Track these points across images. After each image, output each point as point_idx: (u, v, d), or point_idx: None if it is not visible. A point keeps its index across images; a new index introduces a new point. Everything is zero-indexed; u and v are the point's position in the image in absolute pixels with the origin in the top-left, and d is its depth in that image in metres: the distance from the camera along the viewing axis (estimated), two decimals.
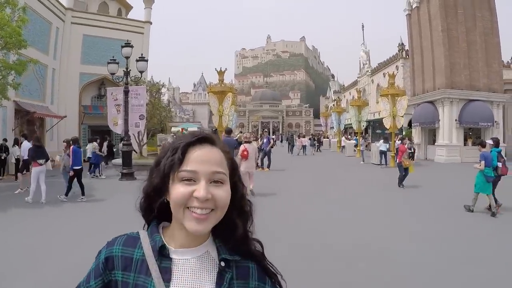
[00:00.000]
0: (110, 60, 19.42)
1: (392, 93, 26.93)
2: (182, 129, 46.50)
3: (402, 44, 45.36)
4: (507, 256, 7.31)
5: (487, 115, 29.68)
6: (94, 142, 21.19)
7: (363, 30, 64.39)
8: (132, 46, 19.23)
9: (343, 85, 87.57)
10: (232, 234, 1.33)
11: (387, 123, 27.78)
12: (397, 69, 42.58)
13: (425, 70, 33.63)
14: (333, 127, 54.81)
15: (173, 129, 48.16)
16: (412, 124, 34.94)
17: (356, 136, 38.89)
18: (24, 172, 15.34)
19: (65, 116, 27.20)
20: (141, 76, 19.82)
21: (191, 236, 1.26)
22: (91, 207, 12.15)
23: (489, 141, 12.12)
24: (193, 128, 53.59)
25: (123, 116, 19.08)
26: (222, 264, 1.28)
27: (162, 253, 1.25)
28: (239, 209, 1.34)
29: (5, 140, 19.70)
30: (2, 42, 15.69)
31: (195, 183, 1.21)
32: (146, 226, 1.38)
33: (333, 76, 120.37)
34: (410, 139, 27.57)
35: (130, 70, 18.97)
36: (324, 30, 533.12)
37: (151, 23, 33.06)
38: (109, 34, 29.26)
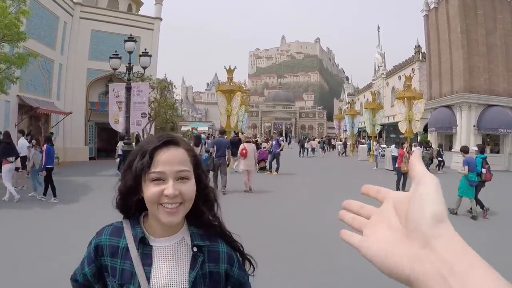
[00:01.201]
0: (113, 54, 18.65)
1: (408, 96, 25.88)
2: (192, 128, 45.97)
3: (419, 46, 44.43)
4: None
5: (507, 121, 28.32)
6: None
7: (378, 32, 63.60)
8: (135, 41, 18.47)
9: (358, 87, 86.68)
10: (200, 219, 1.52)
11: (402, 127, 26.78)
12: (413, 72, 41.41)
13: (442, 73, 32.38)
14: (346, 130, 53.86)
15: (183, 128, 47.73)
16: (428, 129, 33.75)
17: (370, 140, 37.75)
18: (20, 170, 14.66)
19: (71, 113, 26.63)
20: (144, 72, 18.98)
21: (155, 228, 1.47)
22: (85, 207, 11.57)
23: (474, 148, 13.10)
24: (203, 128, 53.30)
25: (124, 114, 18.31)
26: (195, 249, 1.47)
27: (143, 242, 1.44)
28: (203, 197, 1.52)
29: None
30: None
31: (164, 182, 1.38)
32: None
33: (347, 79, 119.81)
34: (427, 145, 26.37)
35: (133, 65, 18.18)
36: (339, 31, 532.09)
37: (161, 19, 32.41)
38: (118, 29, 28.49)
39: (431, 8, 34.33)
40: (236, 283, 1.58)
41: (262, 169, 22.73)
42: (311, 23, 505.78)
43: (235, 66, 24.82)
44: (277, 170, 21.86)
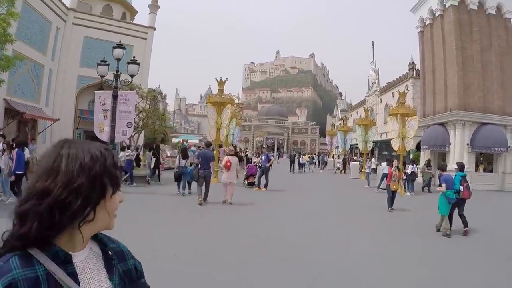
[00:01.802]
0: (101, 61, 18.23)
1: (402, 112, 25.50)
2: (182, 140, 45.52)
3: (413, 63, 44.37)
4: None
5: (500, 140, 28.11)
6: (128, 150, 20.95)
7: (373, 48, 63.59)
8: (124, 48, 17.99)
9: (351, 104, 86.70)
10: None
11: (395, 145, 26.37)
12: (407, 89, 41.31)
13: (436, 90, 32.17)
14: (338, 146, 53.62)
15: (174, 140, 47.30)
16: (421, 147, 33.43)
17: (362, 157, 37.40)
18: None
19: (59, 119, 26.19)
20: (132, 80, 18.55)
21: (78, 241, 1.33)
22: None
23: (454, 166, 13.65)
24: (194, 140, 52.93)
25: (110, 123, 17.83)
26: (110, 252, 1.44)
27: (67, 261, 1.28)
28: None
29: None
30: None
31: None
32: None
33: (340, 95, 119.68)
34: (429, 164, 26.18)
35: (120, 73, 17.74)
36: (333, 47, 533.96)
37: (154, 28, 32.22)
38: (111, 37, 28.11)
39: (426, 24, 34.27)
40: (140, 274, 1.58)
41: (251, 184, 22.22)
42: (306, 38, 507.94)
43: (226, 78, 24.39)
44: (266, 186, 21.35)
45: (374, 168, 29.90)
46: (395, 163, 16.90)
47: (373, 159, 33.33)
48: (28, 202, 1.24)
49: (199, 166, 15.60)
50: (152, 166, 22.24)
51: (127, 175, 19.85)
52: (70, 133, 28.21)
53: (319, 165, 52.18)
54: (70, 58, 28.43)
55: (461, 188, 11.70)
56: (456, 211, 11.69)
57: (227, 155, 16.84)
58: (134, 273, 1.53)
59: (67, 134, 27.70)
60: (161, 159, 23.99)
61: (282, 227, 11.44)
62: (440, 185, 11.63)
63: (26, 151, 15.08)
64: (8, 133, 22.53)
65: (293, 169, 39.39)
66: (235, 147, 28.20)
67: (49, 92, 27.28)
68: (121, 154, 20.07)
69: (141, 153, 26.20)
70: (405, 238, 11.13)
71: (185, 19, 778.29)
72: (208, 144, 18.36)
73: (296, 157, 41.50)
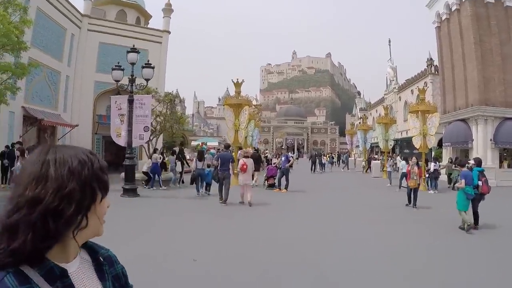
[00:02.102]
0: (115, 66, 18.18)
1: (422, 109, 24.96)
2: (201, 143, 45.49)
3: (431, 59, 43.63)
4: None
5: None
6: (154, 154, 21.22)
7: (390, 45, 62.85)
8: (138, 52, 17.92)
9: (370, 102, 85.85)
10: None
11: (416, 142, 25.85)
12: (426, 86, 40.54)
13: (456, 86, 31.47)
14: (358, 145, 53.04)
15: (193, 143, 47.23)
16: (443, 144, 32.74)
17: (383, 156, 36.80)
18: None
19: (77, 125, 26.32)
20: (147, 84, 18.49)
21: (72, 250, 1.29)
22: None
23: (471, 161, 13.20)
24: (213, 142, 52.86)
25: (126, 127, 17.76)
26: (101, 259, 1.42)
27: (63, 275, 1.22)
28: None
29: (7, 147, 18.62)
30: None
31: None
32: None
33: (359, 93, 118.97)
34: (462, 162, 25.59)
35: (135, 77, 17.68)
36: (350, 46, 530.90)
37: (169, 32, 32.21)
38: (126, 42, 28.05)
39: (443, 19, 33.57)
40: (126, 277, 1.55)
41: (271, 186, 21.94)
42: (322, 38, 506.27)
43: (243, 80, 24.15)
44: (286, 187, 21.02)
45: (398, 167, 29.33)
46: (413, 160, 16.69)
47: (398, 157, 32.70)
48: (18, 212, 1.15)
49: (218, 167, 15.84)
50: (177, 169, 22.49)
51: (147, 179, 20.19)
52: (89, 138, 28.40)
53: (338, 164, 51.98)
54: (86, 64, 28.60)
55: (480, 183, 11.68)
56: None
57: (242, 158, 17.07)
58: (122, 278, 1.52)
59: (86, 139, 27.88)
60: (185, 163, 24.21)
61: (302, 229, 11.17)
62: (457, 181, 11.88)
63: None
64: (28, 139, 22.84)
65: (314, 170, 38.88)
66: (257, 149, 28.56)
67: (67, 99, 27.47)
68: (148, 161, 20.73)
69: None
70: (427, 236, 10.84)
71: (203, 23, 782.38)
72: (227, 146, 18.75)
73: (317, 157, 41.08)
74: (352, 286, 6.66)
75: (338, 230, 11.26)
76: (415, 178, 15.91)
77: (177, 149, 25.17)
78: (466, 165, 12.87)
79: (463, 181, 11.48)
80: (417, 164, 16.67)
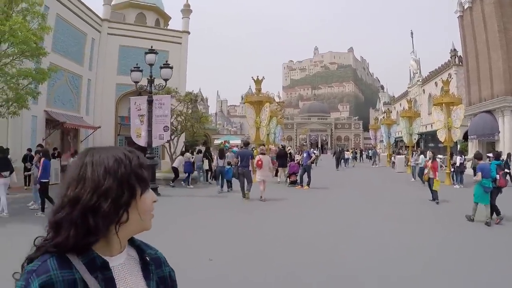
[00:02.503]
0: (134, 67, 18.36)
1: (446, 101, 24.42)
2: (224, 141, 45.64)
3: (455, 50, 42.84)
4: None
5: None
6: (187, 153, 21.87)
7: (412, 37, 61.95)
8: (156, 53, 18.04)
9: (393, 96, 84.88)
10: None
11: (441, 136, 25.35)
12: (450, 77, 39.81)
13: (481, 76, 30.70)
14: (382, 140, 52.51)
15: (215, 142, 47.43)
16: (469, 137, 32.06)
17: (407, 150, 36.26)
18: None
19: (99, 127, 26.75)
20: (166, 84, 18.59)
21: (116, 245, 1.34)
22: None
23: (490, 155, 13.99)
24: (235, 141, 52.94)
25: (146, 127, 17.90)
26: (148, 258, 1.45)
27: (104, 266, 1.29)
28: None
29: (29, 150, 18.91)
30: (16, 49, 14.83)
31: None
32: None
33: (382, 88, 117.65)
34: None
35: (154, 78, 17.80)
36: (372, 40, 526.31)
37: (189, 32, 32.32)
38: (146, 44, 28.23)
39: (465, 8, 32.80)
40: (173, 282, 1.57)
41: (293, 183, 21.77)
42: (343, 32, 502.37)
43: (263, 77, 24.08)
44: (308, 184, 20.84)
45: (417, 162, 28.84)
46: (428, 154, 16.99)
47: (428, 152, 32.09)
48: (61, 211, 1.27)
49: (238, 164, 16.50)
50: (204, 167, 23.31)
51: (176, 177, 20.70)
52: (112, 140, 28.80)
53: (361, 160, 52.03)
54: (107, 67, 28.98)
55: (497, 176, 11.68)
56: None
57: (259, 155, 17.62)
58: (169, 281, 1.54)
59: (109, 141, 28.25)
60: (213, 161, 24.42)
61: (322, 226, 11.00)
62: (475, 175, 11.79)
63: (54, 161, 16.28)
64: (52, 142, 23.25)
65: (339, 166, 38.18)
66: (283, 146, 28.67)
67: (89, 101, 27.87)
68: (180, 157, 21.25)
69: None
70: (441, 230, 10.78)
71: (225, 23, 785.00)
72: (246, 144, 19.45)
73: (341, 153, 40.68)
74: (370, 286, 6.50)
75: (358, 227, 11.06)
76: (427, 171, 16.14)
77: (203, 148, 25.58)
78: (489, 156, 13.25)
79: (479, 174, 11.56)
80: (434, 158, 16.47)
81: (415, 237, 9.84)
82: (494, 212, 11.65)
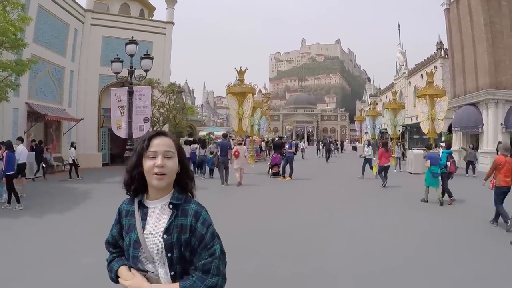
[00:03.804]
0: (114, 58, 18.24)
1: (430, 93, 24.57)
2: (209, 133, 45.52)
3: (441, 42, 42.89)
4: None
5: None
6: (194, 144, 23.06)
7: (399, 30, 61.88)
8: (137, 43, 17.94)
9: (380, 88, 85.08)
10: (186, 188, 2.20)
11: (424, 127, 25.51)
12: (436, 69, 39.92)
13: (466, 69, 30.72)
14: (367, 132, 52.69)
15: (200, 133, 47.29)
16: (453, 129, 32.21)
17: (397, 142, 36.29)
18: (19, 176, 14.21)
19: (82, 119, 26.43)
20: (146, 75, 18.46)
21: (157, 191, 2.10)
22: (58, 218, 10.76)
23: (442, 144, 16.67)
24: (220, 132, 52.76)
25: (127, 119, 17.78)
26: (170, 206, 2.07)
27: (142, 205, 2.13)
28: (186, 174, 2.20)
29: (1, 143, 18.71)
30: None
31: (155, 158, 2.04)
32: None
33: (369, 80, 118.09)
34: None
35: (134, 69, 17.68)
36: (359, 32, 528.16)
37: (173, 23, 31.92)
38: (130, 35, 27.74)
39: (451, 1, 32.77)
40: (198, 235, 2.03)
41: (276, 174, 21.82)
42: (331, 25, 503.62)
43: (246, 68, 24.02)
44: (290, 175, 20.94)
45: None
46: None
47: (399, 147, 32.31)
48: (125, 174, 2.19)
49: (218, 154, 18.48)
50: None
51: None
52: (94, 132, 28.52)
53: (341, 151, 55.63)
54: (90, 59, 28.51)
55: (448, 163, 13.63)
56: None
57: (235, 146, 19.37)
58: (187, 230, 2.04)
59: (92, 133, 28.09)
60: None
61: (300, 218, 10.98)
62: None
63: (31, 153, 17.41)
64: (35, 135, 22.98)
65: (329, 158, 37.58)
66: (281, 137, 28.86)
67: (71, 93, 27.44)
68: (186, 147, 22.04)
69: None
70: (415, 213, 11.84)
71: (213, 15, 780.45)
72: (225, 136, 21.35)
73: (330, 145, 40.38)
74: (345, 278, 6.48)
75: (334, 218, 11.25)
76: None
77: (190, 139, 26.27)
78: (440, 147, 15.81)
79: (428, 161, 13.44)
80: (385, 146, 19.13)
81: (397, 229, 9.88)
82: (447, 194, 13.44)
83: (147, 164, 2.03)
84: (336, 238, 8.94)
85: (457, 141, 31.89)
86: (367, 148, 22.30)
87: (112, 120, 19.08)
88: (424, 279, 6.33)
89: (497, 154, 11.39)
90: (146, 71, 17.98)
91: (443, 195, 13.42)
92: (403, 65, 57.45)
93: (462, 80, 31.41)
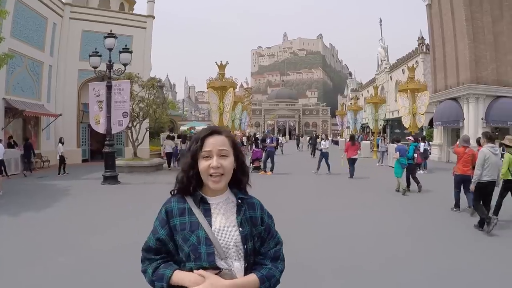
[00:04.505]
0: (93, 52, 17.97)
1: (411, 87, 24.68)
2: (190, 127, 45.29)
3: (422, 37, 43.26)
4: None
5: None
6: (177, 139, 25.61)
7: (381, 25, 62.26)
8: (115, 37, 17.68)
9: (361, 83, 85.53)
10: (240, 184, 2.18)
11: (406, 122, 25.64)
12: (417, 64, 40.15)
13: (447, 64, 30.94)
14: (349, 126, 52.90)
15: (181, 128, 47.04)
16: (434, 123, 32.44)
17: (379, 136, 36.40)
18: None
19: (60, 115, 26.01)
20: (125, 69, 18.22)
21: (209, 190, 2.08)
22: (32, 217, 10.44)
23: (410, 137, 17.76)
24: (201, 126, 52.63)
25: (105, 114, 17.51)
26: (239, 200, 2.12)
27: (203, 201, 2.07)
28: (241, 170, 2.17)
29: None
30: None
31: (211, 158, 2.02)
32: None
33: (350, 74, 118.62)
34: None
35: (113, 63, 17.44)
36: (341, 27, 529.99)
37: (153, 17, 31.46)
38: (109, 29, 27.67)
39: None
40: (267, 226, 2.19)
41: (257, 168, 21.84)
42: (313, 19, 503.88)
43: (227, 62, 23.80)
44: (271, 169, 20.99)
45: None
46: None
47: (381, 141, 32.40)
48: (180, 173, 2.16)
49: None
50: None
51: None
52: (74, 127, 28.08)
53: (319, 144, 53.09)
54: (69, 53, 27.95)
55: (415, 155, 15.14)
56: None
57: None
58: (259, 222, 2.15)
59: (71, 128, 27.63)
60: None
61: (278, 213, 10.93)
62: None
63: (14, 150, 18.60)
64: (14, 131, 22.61)
65: (314, 153, 35.52)
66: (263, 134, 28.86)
67: (50, 88, 26.91)
68: (169, 142, 24.87)
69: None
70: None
71: (194, 9, 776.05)
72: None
73: (316, 139, 39.57)
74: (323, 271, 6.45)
75: (313, 210, 11.50)
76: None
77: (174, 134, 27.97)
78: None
79: (397, 153, 14.64)
80: (353, 139, 20.24)
81: (376, 222, 9.95)
82: (416, 183, 14.81)
83: (202, 165, 2.02)
84: (314, 232, 8.99)
85: (438, 136, 32.18)
86: (324, 142, 22.13)
87: (90, 115, 18.81)
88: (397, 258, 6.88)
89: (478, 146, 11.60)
90: (125, 65, 17.73)
91: (408, 185, 14.90)
92: (385, 60, 57.87)
93: (443, 75, 31.62)
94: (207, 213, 2.03)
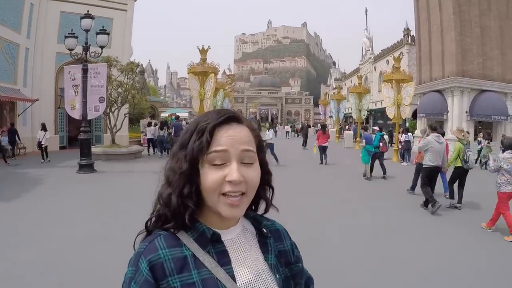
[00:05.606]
0: (68, 33, 17.26)
1: (397, 78, 24.41)
2: (171, 114, 44.49)
3: (408, 29, 43.18)
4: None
5: (500, 108, 27.08)
6: (152, 126, 26.08)
7: (366, 15, 62.12)
8: (92, 18, 16.99)
9: (345, 73, 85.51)
10: (256, 203, 1.35)
11: (390, 113, 25.37)
12: (402, 56, 39.96)
13: (433, 57, 30.80)
14: (332, 115, 52.66)
15: (162, 114, 46.29)
16: (418, 115, 32.38)
17: (356, 126, 36.23)
18: None
19: (37, 100, 25.11)
20: (102, 52, 17.54)
21: (229, 218, 1.22)
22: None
23: (376, 127, 19.15)
24: (183, 113, 51.87)
25: (81, 99, 16.81)
26: (265, 231, 1.32)
27: (214, 239, 1.20)
28: (265, 184, 1.32)
29: None
30: None
31: (226, 165, 1.15)
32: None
33: (334, 64, 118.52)
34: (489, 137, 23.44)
35: (89, 45, 16.76)
36: (326, 16, 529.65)
37: (135, 0, 30.67)
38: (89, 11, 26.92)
39: None
40: (297, 258, 1.42)
41: None
42: (298, 7, 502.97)
43: (209, 46, 23.17)
44: (276, 160, 20.48)
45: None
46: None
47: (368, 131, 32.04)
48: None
49: (172, 134, 21.71)
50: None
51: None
52: (51, 113, 27.13)
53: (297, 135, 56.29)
54: (46, 35, 26.95)
55: (381, 144, 16.07)
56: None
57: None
58: (290, 255, 1.39)
59: (49, 114, 26.67)
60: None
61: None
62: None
63: None
64: None
65: (306, 145, 33.94)
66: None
67: (27, 72, 25.93)
68: (152, 128, 25.91)
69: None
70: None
71: None
72: (177, 117, 25.43)
73: (308, 129, 38.21)
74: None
75: (297, 201, 11.33)
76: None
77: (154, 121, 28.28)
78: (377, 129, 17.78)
79: (364, 141, 16.09)
80: (323, 128, 21.65)
81: (357, 213, 10.12)
82: (382, 170, 16.13)
83: (212, 177, 1.14)
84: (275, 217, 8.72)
85: (421, 127, 32.02)
86: (268, 132, 21.67)
87: (65, 100, 18.11)
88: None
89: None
90: (101, 47, 17.11)
91: (371, 171, 16.16)
92: (369, 50, 57.85)
93: (429, 67, 31.54)
94: (223, 258, 1.19)
